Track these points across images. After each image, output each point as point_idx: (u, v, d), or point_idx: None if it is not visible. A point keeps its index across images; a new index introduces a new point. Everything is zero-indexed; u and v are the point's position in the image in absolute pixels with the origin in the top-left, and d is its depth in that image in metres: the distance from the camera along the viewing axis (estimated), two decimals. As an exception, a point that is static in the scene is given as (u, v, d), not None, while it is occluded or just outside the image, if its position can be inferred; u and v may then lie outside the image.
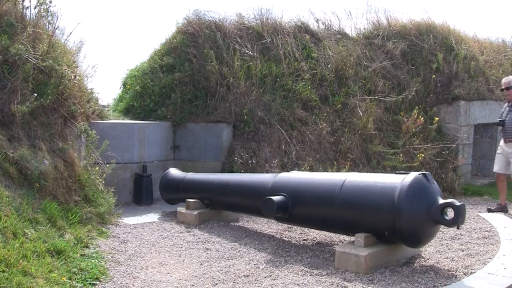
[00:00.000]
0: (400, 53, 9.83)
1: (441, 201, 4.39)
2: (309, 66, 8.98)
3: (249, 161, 7.58)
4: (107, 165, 6.50)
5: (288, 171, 6.58)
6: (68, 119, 6.08)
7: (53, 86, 5.74)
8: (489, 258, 4.85)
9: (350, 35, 10.36)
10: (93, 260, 4.50)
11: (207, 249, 5.18)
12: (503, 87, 7.39)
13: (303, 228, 5.94)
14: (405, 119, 8.87)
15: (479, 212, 7.29)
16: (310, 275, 4.37)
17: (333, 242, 5.50)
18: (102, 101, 8.75)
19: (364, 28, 10.49)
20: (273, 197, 5.14)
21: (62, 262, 4.18)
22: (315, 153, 7.94)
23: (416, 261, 4.77)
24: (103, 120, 7.52)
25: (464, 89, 9.50)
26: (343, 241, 5.46)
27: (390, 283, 4.15)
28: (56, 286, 3.72)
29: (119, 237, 5.49)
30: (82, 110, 6.55)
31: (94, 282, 4.05)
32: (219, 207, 6.37)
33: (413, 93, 9.24)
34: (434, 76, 9.55)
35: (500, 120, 7.29)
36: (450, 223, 4.38)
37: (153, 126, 7.79)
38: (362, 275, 4.32)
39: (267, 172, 7.21)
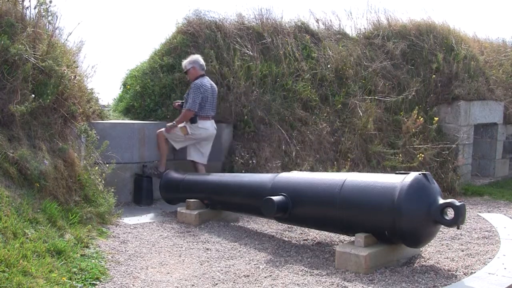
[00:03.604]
0: (400, 53, 9.83)
1: (441, 201, 4.39)
2: (309, 66, 8.98)
3: (250, 161, 7.58)
4: (107, 165, 6.49)
5: (288, 171, 6.58)
6: (68, 119, 6.08)
7: (53, 86, 5.74)
8: (489, 258, 4.84)
9: (350, 35, 10.35)
10: (93, 260, 4.50)
11: (207, 249, 5.18)
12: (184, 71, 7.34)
13: (303, 228, 5.94)
14: (405, 119, 8.87)
15: (479, 212, 7.29)
16: (310, 275, 4.37)
17: (333, 242, 5.50)
18: (102, 101, 8.73)
19: (364, 28, 10.49)
20: (273, 197, 5.13)
21: (62, 262, 4.18)
22: (315, 153, 7.94)
23: (416, 261, 4.77)
24: (103, 120, 7.51)
25: (464, 89, 9.50)
26: (343, 241, 5.46)
27: (390, 283, 4.15)
28: (56, 286, 3.72)
29: (119, 237, 5.49)
30: (82, 110, 6.55)
31: (94, 282, 4.05)
32: (219, 207, 6.37)
33: (413, 93, 9.23)
34: (434, 76, 9.55)
35: (183, 103, 7.22)
36: (450, 223, 4.37)
37: (153, 126, 7.78)
38: (362, 275, 4.32)
39: (267, 172, 7.21)
